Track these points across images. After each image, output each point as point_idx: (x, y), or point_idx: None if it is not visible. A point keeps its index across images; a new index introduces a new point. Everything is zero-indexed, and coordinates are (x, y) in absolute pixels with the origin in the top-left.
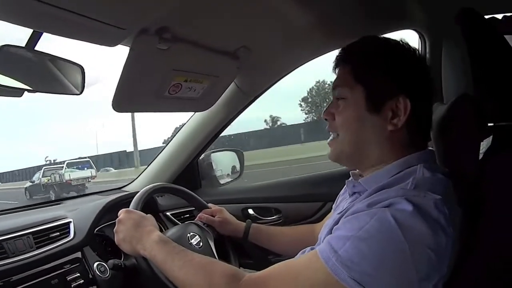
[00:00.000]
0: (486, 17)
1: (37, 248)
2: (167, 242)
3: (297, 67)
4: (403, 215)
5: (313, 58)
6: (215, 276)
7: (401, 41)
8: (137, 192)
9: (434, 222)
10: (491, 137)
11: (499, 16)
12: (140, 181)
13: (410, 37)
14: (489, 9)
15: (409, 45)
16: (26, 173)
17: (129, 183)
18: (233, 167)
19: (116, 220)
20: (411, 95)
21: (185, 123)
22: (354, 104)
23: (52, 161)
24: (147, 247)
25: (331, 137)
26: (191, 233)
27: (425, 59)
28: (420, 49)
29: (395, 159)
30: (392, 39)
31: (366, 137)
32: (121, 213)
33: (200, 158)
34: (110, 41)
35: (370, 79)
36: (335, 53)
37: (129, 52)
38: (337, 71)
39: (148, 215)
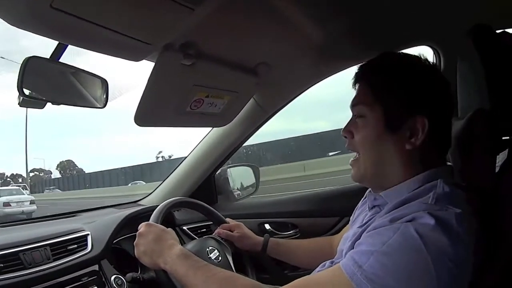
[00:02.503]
0: (498, 31)
1: (54, 260)
2: (189, 256)
3: (315, 84)
4: (426, 229)
5: (330, 75)
6: None
7: (421, 56)
8: (154, 206)
9: (455, 235)
10: (506, 150)
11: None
12: (156, 195)
13: (425, 53)
14: (501, 24)
15: (428, 61)
16: None
17: (145, 197)
18: (249, 182)
19: (137, 233)
20: (430, 114)
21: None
22: (372, 123)
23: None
24: (169, 260)
25: (353, 158)
26: (210, 247)
27: (441, 77)
28: None
29: (415, 175)
30: (412, 55)
31: (384, 156)
32: (142, 226)
33: (217, 173)
34: (136, 56)
35: (389, 99)
36: None
37: (153, 67)
38: (356, 87)
39: (169, 229)
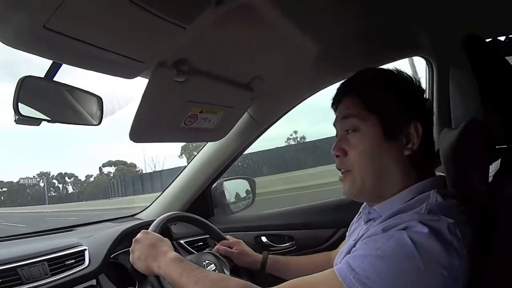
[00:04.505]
0: (489, 39)
1: (52, 275)
2: (183, 260)
3: (309, 96)
4: (420, 237)
5: (324, 87)
6: None
7: (397, 70)
8: (151, 220)
9: (448, 244)
10: (499, 159)
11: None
12: (153, 209)
13: (418, 63)
14: (493, 32)
15: (406, 73)
16: None
17: (142, 211)
18: (245, 195)
19: (133, 239)
20: (422, 119)
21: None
22: (369, 135)
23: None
24: (162, 265)
25: (342, 172)
26: (207, 261)
27: (421, 84)
28: (427, 75)
29: (409, 185)
30: (389, 69)
31: (385, 166)
32: (139, 234)
33: (213, 186)
34: (129, 74)
35: (383, 108)
36: None
37: (147, 84)
38: (341, 103)
39: (165, 238)
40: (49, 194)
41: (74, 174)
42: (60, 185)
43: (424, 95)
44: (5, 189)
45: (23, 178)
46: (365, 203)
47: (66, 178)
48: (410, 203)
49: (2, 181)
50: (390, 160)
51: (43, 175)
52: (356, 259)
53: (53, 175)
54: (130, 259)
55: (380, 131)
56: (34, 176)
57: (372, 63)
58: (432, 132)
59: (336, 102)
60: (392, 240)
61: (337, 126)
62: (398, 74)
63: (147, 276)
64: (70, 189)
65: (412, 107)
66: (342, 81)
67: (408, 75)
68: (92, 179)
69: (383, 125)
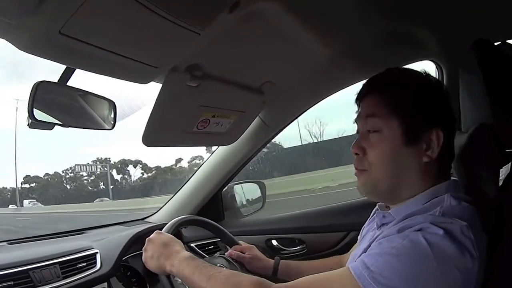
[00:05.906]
0: (498, 42)
1: (64, 278)
2: (196, 259)
3: (320, 100)
4: (434, 238)
5: (335, 92)
6: (243, 285)
7: (425, 71)
8: (163, 223)
9: (462, 246)
10: (510, 163)
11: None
12: (164, 212)
13: (427, 67)
14: (502, 35)
15: (434, 77)
16: None
17: (153, 214)
18: (256, 199)
19: (147, 239)
20: (443, 127)
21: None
22: (390, 138)
23: None
24: (175, 263)
25: (358, 169)
26: (219, 265)
27: (448, 90)
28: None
29: (424, 189)
30: (417, 70)
31: (402, 171)
32: (153, 234)
33: (224, 190)
34: (143, 79)
35: (406, 112)
36: None
37: (160, 89)
38: (365, 99)
39: (178, 240)
40: (103, 187)
41: (141, 161)
42: (119, 176)
43: (449, 102)
44: (33, 184)
45: (79, 165)
46: (377, 207)
47: (131, 166)
48: (425, 206)
49: (29, 175)
50: (408, 165)
51: (103, 161)
52: (371, 258)
53: (114, 162)
54: (143, 258)
55: (402, 135)
56: (88, 163)
57: (381, 68)
58: (453, 140)
59: (360, 98)
60: (407, 240)
61: (359, 123)
62: (426, 76)
63: (159, 277)
64: (135, 178)
65: (436, 113)
66: (354, 84)
67: (436, 79)
68: (182, 164)
69: (405, 129)
